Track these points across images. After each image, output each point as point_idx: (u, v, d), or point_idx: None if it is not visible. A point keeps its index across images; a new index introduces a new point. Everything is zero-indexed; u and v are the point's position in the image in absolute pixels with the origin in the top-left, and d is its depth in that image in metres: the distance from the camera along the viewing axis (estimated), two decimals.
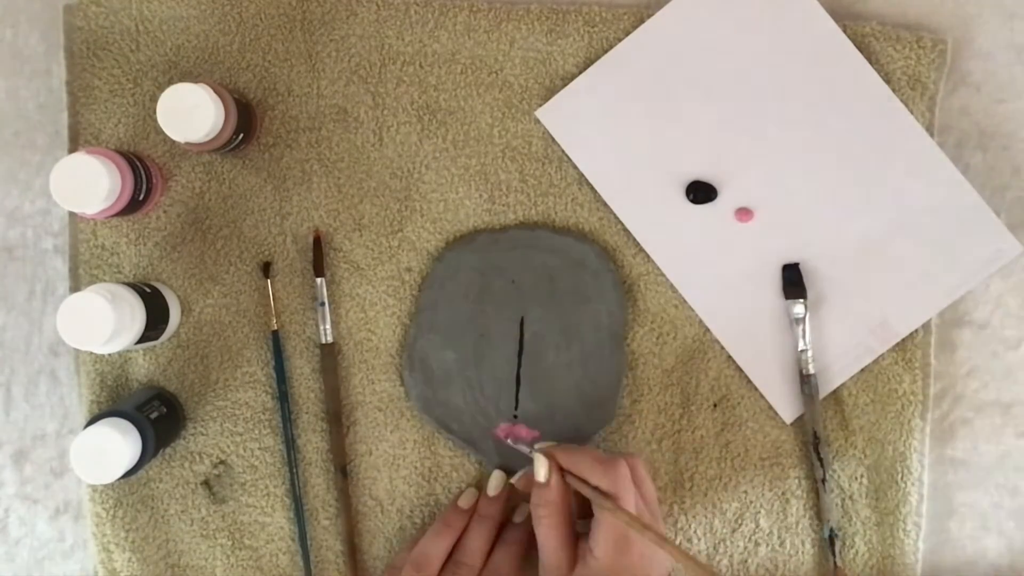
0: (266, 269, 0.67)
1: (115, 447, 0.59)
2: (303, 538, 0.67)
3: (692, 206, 0.68)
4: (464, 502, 0.66)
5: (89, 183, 0.59)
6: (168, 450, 0.67)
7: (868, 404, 0.68)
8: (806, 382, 0.67)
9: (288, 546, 0.68)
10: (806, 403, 0.67)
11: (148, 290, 0.64)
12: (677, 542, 0.68)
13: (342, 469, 0.67)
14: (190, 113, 0.60)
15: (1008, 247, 0.67)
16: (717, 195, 0.67)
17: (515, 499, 0.67)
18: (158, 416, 0.63)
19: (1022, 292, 0.69)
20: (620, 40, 0.67)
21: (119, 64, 0.67)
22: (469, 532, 0.65)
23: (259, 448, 0.68)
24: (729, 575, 0.68)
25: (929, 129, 0.67)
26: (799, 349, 0.67)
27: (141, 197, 0.63)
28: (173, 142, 0.64)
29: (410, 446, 0.68)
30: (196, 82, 0.60)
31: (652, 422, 0.68)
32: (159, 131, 0.62)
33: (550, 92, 0.68)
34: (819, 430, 0.67)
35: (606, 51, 0.67)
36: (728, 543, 0.68)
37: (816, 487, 0.68)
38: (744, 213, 0.68)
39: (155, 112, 0.60)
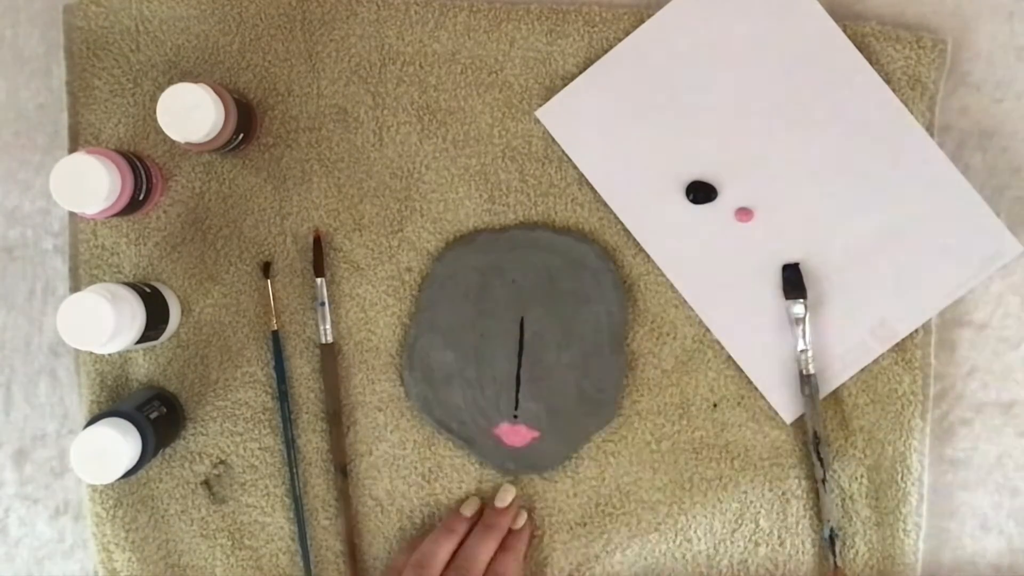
0: (266, 269, 0.67)
1: (115, 447, 0.59)
2: (303, 538, 0.67)
3: (692, 206, 0.68)
4: (467, 510, 0.66)
5: (89, 183, 0.59)
6: (168, 450, 0.67)
7: (868, 404, 0.68)
8: (806, 382, 0.67)
9: (288, 546, 0.68)
10: (806, 403, 0.67)
11: (148, 290, 0.64)
12: (677, 542, 0.68)
13: (342, 469, 0.67)
14: (190, 113, 0.60)
15: (1008, 247, 0.67)
16: (717, 195, 0.67)
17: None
18: (158, 416, 0.63)
19: (1022, 292, 0.69)
20: (620, 40, 0.67)
21: (119, 64, 0.67)
22: (473, 539, 0.65)
23: (259, 448, 0.68)
24: (729, 575, 0.68)
25: (929, 129, 0.67)
26: (799, 349, 0.67)
27: (141, 197, 0.63)
28: (173, 142, 0.64)
29: (410, 446, 0.68)
30: (196, 82, 0.60)
31: (652, 422, 0.68)
32: (159, 131, 0.62)
33: (550, 92, 0.68)
34: (819, 430, 0.67)
35: (606, 51, 0.67)
36: (728, 543, 0.68)
37: (816, 487, 0.68)
38: (744, 213, 0.68)
39: (155, 112, 0.60)
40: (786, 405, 0.68)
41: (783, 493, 0.68)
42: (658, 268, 0.68)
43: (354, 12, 0.67)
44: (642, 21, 0.67)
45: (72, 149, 0.67)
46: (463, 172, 0.68)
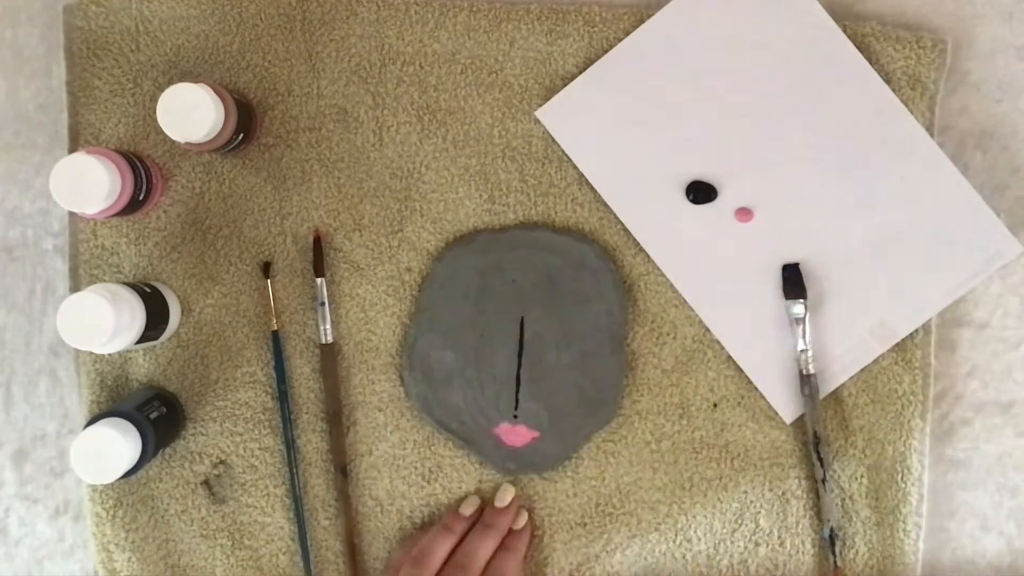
0: (266, 269, 0.67)
1: (115, 447, 0.59)
2: (303, 538, 0.67)
3: (692, 206, 0.68)
4: (466, 509, 0.66)
5: (89, 183, 0.59)
6: (168, 450, 0.67)
7: (868, 404, 0.68)
8: (806, 382, 0.67)
9: (288, 546, 0.68)
10: (806, 403, 0.67)
11: (148, 290, 0.64)
12: (677, 542, 0.68)
13: (342, 469, 0.67)
14: (190, 113, 0.60)
15: (1008, 247, 0.67)
16: (717, 195, 0.67)
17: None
18: (158, 416, 0.63)
19: (1022, 292, 0.69)
20: (620, 40, 0.67)
21: (119, 64, 0.67)
22: (472, 538, 0.65)
23: (259, 448, 0.68)
24: (729, 575, 0.68)
25: (929, 129, 0.67)
26: (799, 349, 0.67)
27: (141, 197, 0.63)
28: (173, 142, 0.64)
29: (410, 446, 0.68)
30: (196, 82, 0.60)
31: (652, 422, 0.68)
32: (159, 131, 0.62)
33: (550, 92, 0.68)
34: (819, 430, 0.67)
35: (606, 51, 0.67)
36: (728, 543, 0.68)
37: (816, 487, 0.68)
38: (744, 213, 0.68)
39: (155, 112, 0.60)
40: (786, 405, 0.68)
41: (783, 493, 0.68)
42: (658, 268, 0.68)
43: (354, 12, 0.67)
44: (642, 21, 0.67)
45: (72, 149, 0.67)
46: (463, 172, 0.68)
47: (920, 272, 0.67)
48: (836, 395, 0.68)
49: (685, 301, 0.68)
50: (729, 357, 0.68)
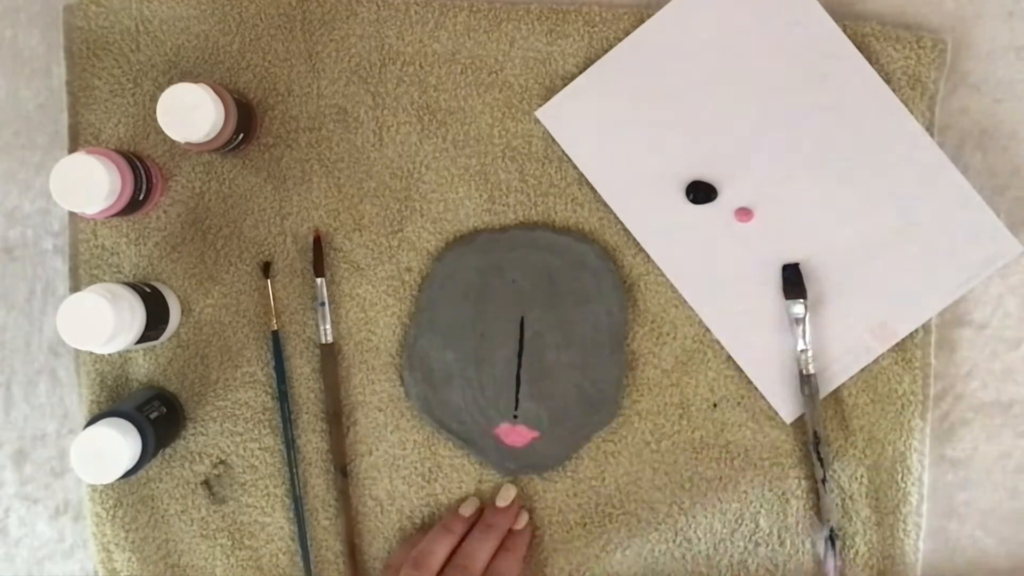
0: (266, 269, 0.67)
1: (115, 447, 0.59)
2: (303, 538, 0.67)
3: (692, 206, 0.68)
4: (466, 510, 0.66)
5: (89, 183, 0.59)
6: (168, 450, 0.67)
7: (868, 404, 0.68)
8: (806, 382, 0.67)
9: (288, 546, 0.68)
10: (806, 403, 0.67)
11: (148, 290, 0.64)
12: (677, 542, 0.68)
13: (342, 469, 0.67)
14: (190, 113, 0.60)
15: (1008, 247, 0.67)
16: (717, 195, 0.67)
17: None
18: (158, 416, 0.63)
19: (1022, 292, 0.69)
20: (620, 40, 0.67)
21: (119, 64, 0.67)
22: (472, 538, 0.65)
23: (259, 448, 0.68)
24: (729, 575, 0.68)
25: (929, 129, 0.67)
26: (799, 349, 0.67)
27: (141, 197, 0.63)
28: (173, 142, 0.64)
29: (410, 446, 0.68)
30: (196, 82, 0.60)
31: (652, 422, 0.68)
32: (159, 131, 0.62)
33: (550, 92, 0.68)
34: (819, 430, 0.67)
35: (606, 51, 0.67)
36: (728, 543, 0.68)
37: (816, 487, 0.68)
38: (744, 213, 0.68)
39: (155, 112, 0.60)
40: (786, 405, 0.68)
41: (783, 493, 0.68)
42: (658, 268, 0.68)
43: (354, 12, 0.67)
44: (642, 21, 0.67)
45: (72, 149, 0.67)
46: (463, 172, 0.68)
47: (920, 272, 0.67)
48: (836, 395, 0.68)
49: (685, 301, 0.68)
50: (729, 357, 0.68)
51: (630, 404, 0.68)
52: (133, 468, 0.61)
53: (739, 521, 0.68)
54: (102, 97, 0.67)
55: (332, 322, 0.68)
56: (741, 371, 0.68)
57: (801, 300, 0.67)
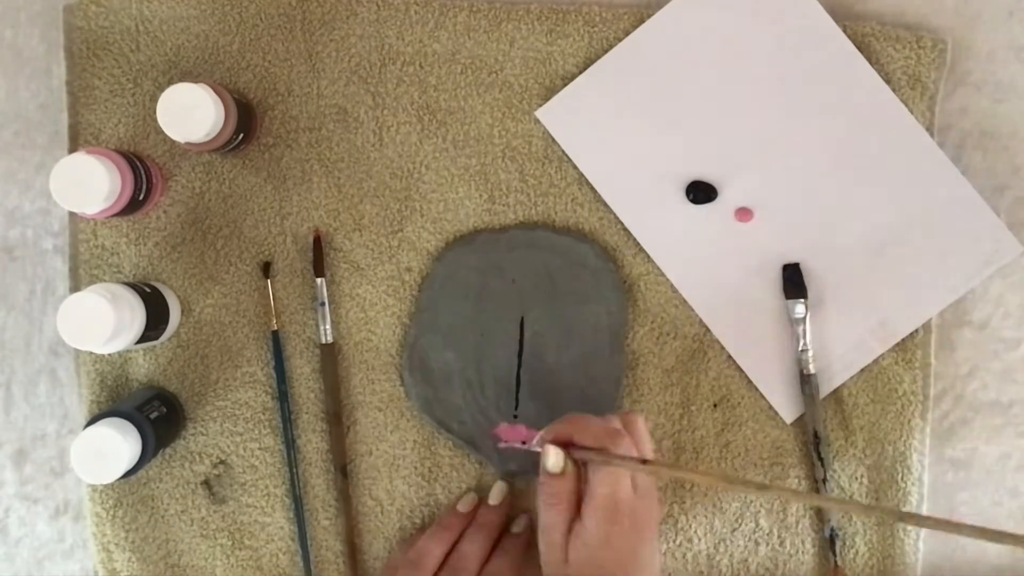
0: (266, 269, 0.67)
1: (115, 447, 0.59)
2: (303, 538, 0.67)
3: (692, 206, 0.68)
4: (464, 506, 0.66)
5: (89, 183, 0.59)
6: (168, 450, 0.67)
7: (868, 404, 0.68)
8: (806, 382, 0.67)
9: (288, 546, 0.68)
10: (806, 403, 0.67)
11: (148, 290, 0.64)
12: (677, 542, 0.68)
13: (342, 469, 0.67)
14: (190, 113, 0.60)
15: (1008, 247, 0.67)
16: (717, 195, 0.67)
17: (515, 508, 0.67)
18: (158, 416, 0.63)
19: (1022, 292, 0.69)
20: (620, 40, 0.67)
21: (119, 64, 0.67)
22: (466, 538, 0.65)
23: (259, 448, 0.68)
24: (729, 575, 0.68)
25: (929, 129, 0.67)
26: (799, 349, 0.67)
27: (141, 197, 0.63)
28: (173, 142, 0.64)
29: (410, 446, 0.68)
30: (196, 82, 0.60)
31: (652, 422, 0.68)
32: (159, 131, 0.62)
33: (550, 92, 0.68)
34: (819, 430, 0.67)
35: (606, 51, 0.67)
36: (728, 543, 0.68)
37: (816, 487, 0.68)
38: (744, 213, 0.68)
39: (155, 112, 0.60)
40: (786, 405, 0.68)
41: None
42: (658, 268, 0.68)
43: (354, 12, 0.67)
44: (642, 21, 0.67)
45: (72, 149, 0.67)
46: (463, 172, 0.68)
47: (920, 272, 0.67)
48: (836, 395, 0.68)
49: (685, 301, 0.68)
50: (729, 357, 0.68)
51: (630, 404, 0.68)
52: (133, 468, 0.60)
53: (739, 520, 0.68)
54: (102, 97, 0.67)
55: (332, 322, 0.68)
56: (741, 371, 0.68)
57: (801, 300, 0.67)
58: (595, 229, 0.68)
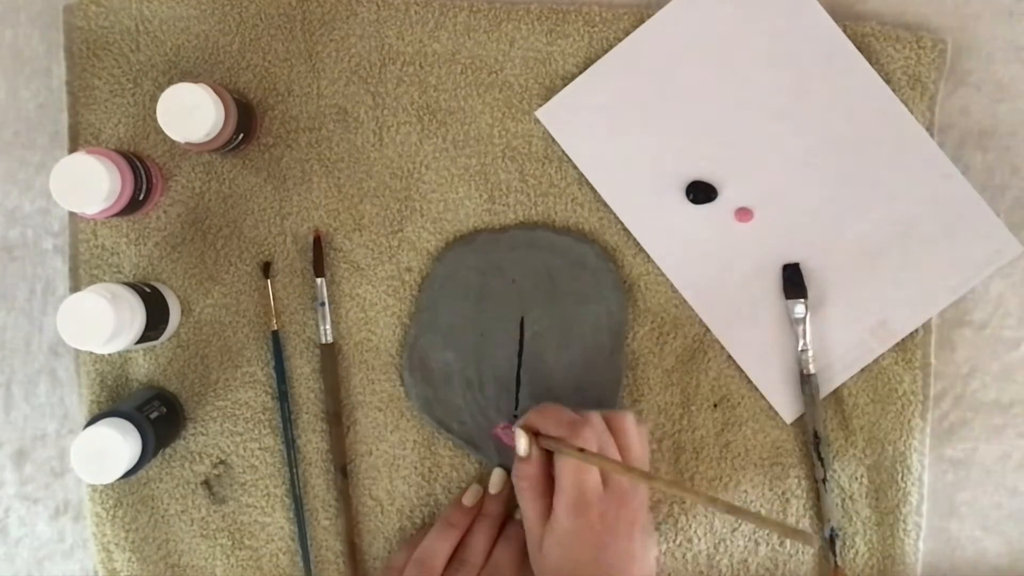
0: (266, 269, 0.67)
1: (115, 447, 0.59)
2: (303, 538, 0.67)
3: (692, 206, 0.68)
4: (469, 499, 0.66)
5: (89, 183, 0.59)
6: (168, 450, 0.67)
7: (868, 404, 0.68)
8: (806, 382, 0.67)
9: (288, 546, 0.68)
10: (806, 403, 0.67)
11: (148, 290, 0.64)
12: (677, 542, 0.68)
13: (342, 469, 0.67)
14: (190, 113, 0.60)
15: (1008, 247, 0.67)
16: (717, 195, 0.67)
17: (515, 498, 0.67)
18: (158, 416, 0.63)
19: (1022, 292, 0.69)
20: (620, 40, 0.67)
21: (119, 64, 0.67)
22: (471, 530, 0.65)
23: (259, 448, 0.68)
24: (729, 575, 0.68)
25: (929, 129, 0.67)
26: (799, 349, 0.67)
27: (141, 197, 0.63)
28: (173, 142, 0.64)
29: (410, 446, 0.68)
30: (196, 82, 0.60)
31: (652, 422, 0.68)
32: (159, 131, 0.62)
33: (550, 92, 0.68)
34: (819, 430, 0.67)
35: (606, 51, 0.67)
36: (728, 543, 0.68)
37: (816, 487, 0.68)
38: (744, 213, 0.68)
39: (155, 112, 0.60)
40: (786, 405, 0.68)
41: (783, 493, 0.68)
42: (658, 268, 0.68)
43: (354, 12, 0.68)
44: (642, 21, 0.67)
45: (72, 149, 0.67)
46: (463, 172, 0.68)
47: (920, 272, 0.67)
48: (836, 395, 0.68)
49: (685, 301, 0.68)
50: (729, 357, 0.68)
51: (630, 404, 0.68)
52: (133, 468, 0.60)
53: (739, 520, 0.68)
54: (102, 97, 0.67)
55: (332, 322, 0.68)
56: (741, 371, 0.68)
57: (801, 300, 0.67)
58: (595, 229, 0.68)
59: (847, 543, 0.68)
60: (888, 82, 0.67)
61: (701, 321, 0.68)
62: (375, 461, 0.68)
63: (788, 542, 0.68)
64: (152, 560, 0.67)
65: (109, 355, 0.67)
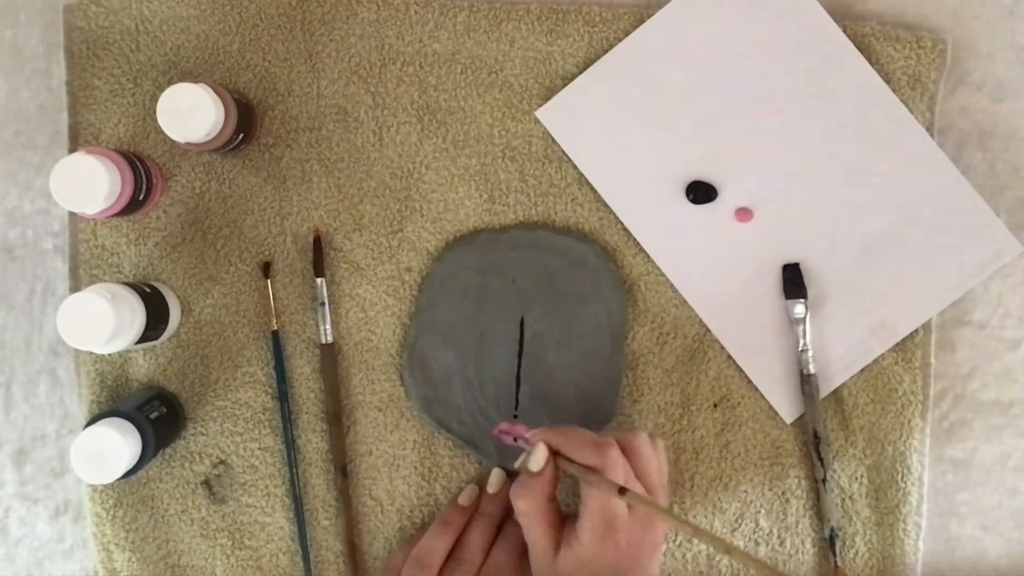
0: (266, 269, 0.67)
1: (115, 447, 0.59)
2: (303, 538, 0.67)
3: (692, 206, 0.68)
4: (464, 499, 0.66)
5: (89, 183, 0.59)
6: (168, 450, 0.67)
7: (868, 404, 0.68)
8: (806, 382, 0.67)
9: (288, 546, 0.68)
10: (806, 403, 0.67)
11: (148, 290, 0.64)
12: (677, 542, 0.68)
13: (342, 469, 0.67)
14: (190, 113, 0.60)
15: (1008, 247, 0.67)
16: (717, 195, 0.67)
17: None
18: (158, 416, 0.63)
19: (1022, 292, 0.69)
20: (620, 40, 0.67)
21: (119, 64, 0.67)
22: (468, 529, 0.65)
23: (259, 448, 0.68)
24: (729, 575, 0.68)
25: (929, 129, 0.67)
26: (799, 349, 0.67)
27: (141, 197, 0.63)
28: (173, 142, 0.64)
29: (410, 446, 0.68)
30: (196, 82, 0.60)
31: (652, 422, 0.68)
32: (159, 131, 0.62)
33: (550, 92, 0.68)
34: (819, 430, 0.67)
35: (606, 51, 0.67)
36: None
37: (816, 487, 0.68)
38: (744, 213, 0.68)
39: (155, 112, 0.60)
40: (786, 405, 0.68)
41: (783, 493, 0.68)
42: (658, 268, 0.68)
43: (354, 12, 0.68)
44: (642, 21, 0.67)
45: (72, 149, 0.67)
46: (463, 172, 0.68)
47: (920, 272, 0.67)
48: (836, 395, 0.68)
49: (685, 301, 0.68)
50: (729, 357, 0.68)
51: (630, 404, 0.68)
52: (133, 468, 0.60)
53: (739, 521, 0.68)
54: (102, 97, 0.67)
55: (332, 322, 0.68)
56: (741, 371, 0.68)
57: (801, 300, 0.67)
58: (595, 229, 0.68)
59: (847, 543, 0.68)
60: (888, 82, 0.67)
61: (701, 321, 0.68)
62: (375, 461, 0.68)
63: (788, 542, 0.68)
64: (152, 560, 0.67)
65: (109, 355, 0.67)
